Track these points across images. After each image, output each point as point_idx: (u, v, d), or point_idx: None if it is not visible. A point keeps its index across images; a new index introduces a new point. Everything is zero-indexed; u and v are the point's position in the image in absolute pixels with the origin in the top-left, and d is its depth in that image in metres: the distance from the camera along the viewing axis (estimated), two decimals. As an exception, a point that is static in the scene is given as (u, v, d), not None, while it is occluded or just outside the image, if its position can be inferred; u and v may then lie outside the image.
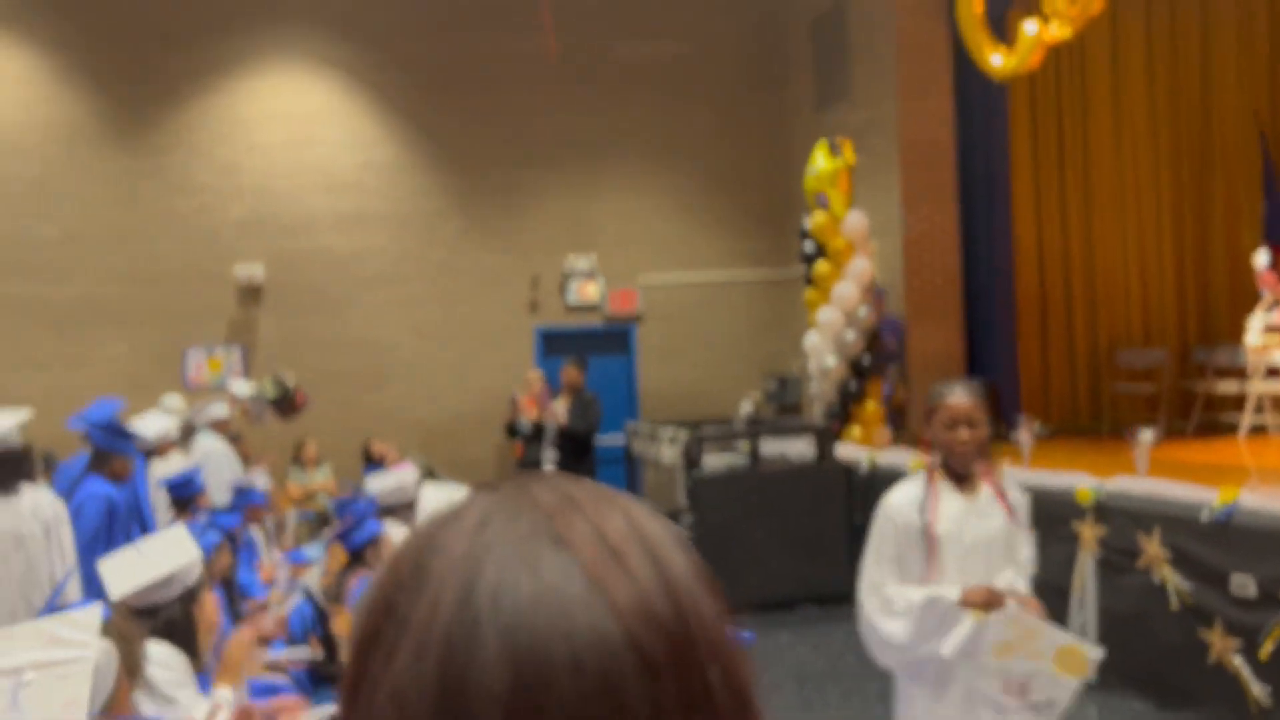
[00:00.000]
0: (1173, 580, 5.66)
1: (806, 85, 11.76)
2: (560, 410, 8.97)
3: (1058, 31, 7.73)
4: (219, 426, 8.19)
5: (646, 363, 12.07)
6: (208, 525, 4.95)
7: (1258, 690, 5.21)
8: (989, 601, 3.24)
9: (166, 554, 3.26)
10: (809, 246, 9.50)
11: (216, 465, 7.51)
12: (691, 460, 8.34)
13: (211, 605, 3.39)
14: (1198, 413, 10.02)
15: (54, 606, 2.56)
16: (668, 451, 9.47)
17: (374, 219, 11.48)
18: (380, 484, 5.80)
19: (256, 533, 6.75)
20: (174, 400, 9.13)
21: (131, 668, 2.63)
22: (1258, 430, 9.08)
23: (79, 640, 2.16)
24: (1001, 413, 9.19)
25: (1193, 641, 5.57)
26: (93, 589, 3.92)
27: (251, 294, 11.18)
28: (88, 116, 10.93)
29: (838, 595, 8.25)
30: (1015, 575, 3.39)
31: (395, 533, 5.11)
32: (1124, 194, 10.87)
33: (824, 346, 9.28)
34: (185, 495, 5.81)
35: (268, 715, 3.08)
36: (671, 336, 12.08)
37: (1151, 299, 10.93)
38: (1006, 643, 3.25)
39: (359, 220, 11.44)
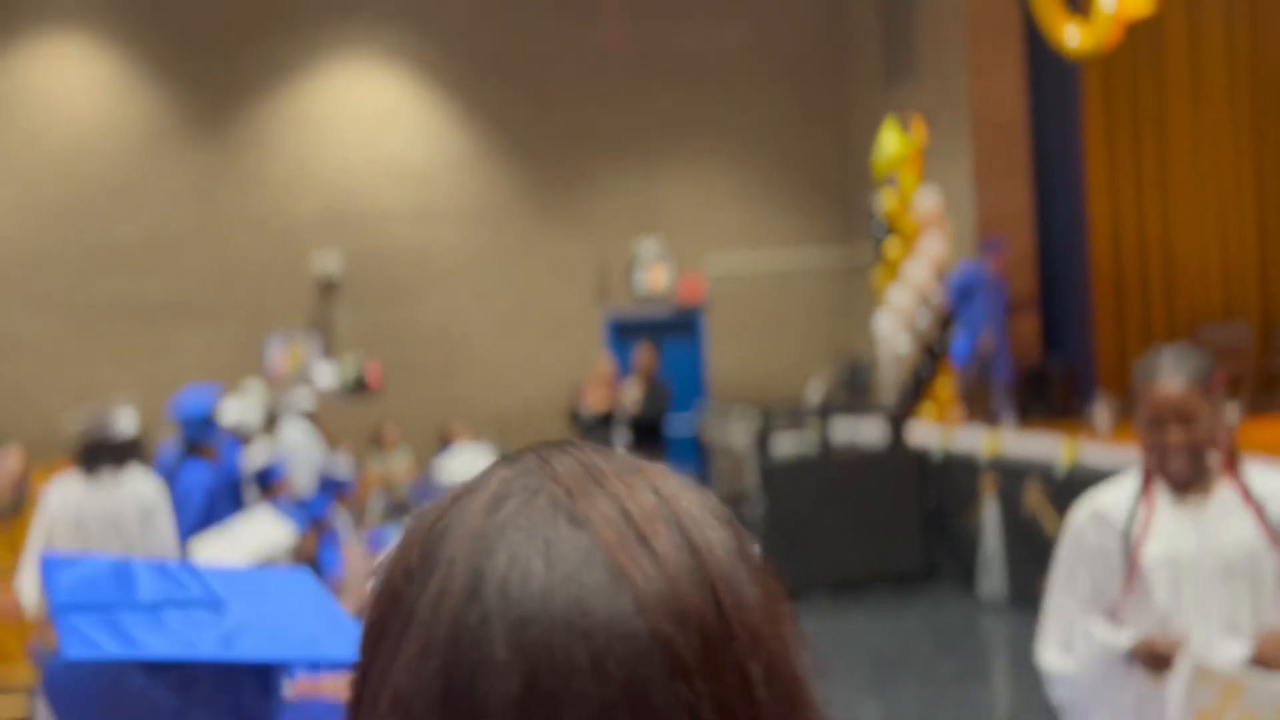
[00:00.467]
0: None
1: (873, 63, 11.65)
2: (633, 394, 9.03)
3: (1137, 7, 7.50)
4: (306, 414, 8.42)
5: (715, 349, 12.10)
6: (294, 511, 5.12)
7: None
8: (1162, 657, 2.38)
9: (256, 535, 3.39)
10: (878, 226, 9.44)
11: (304, 452, 7.72)
12: (763, 444, 8.36)
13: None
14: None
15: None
16: (738, 435, 9.48)
17: (445, 209, 11.66)
18: (452, 464, 5.89)
19: (341, 516, 6.94)
20: (257, 388, 9.40)
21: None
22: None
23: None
24: (1078, 391, 9.05)
25: None
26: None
27: (328, 286, 11.43)
28: (166, 117, 11.24)
29: (912, 576, 8.22)
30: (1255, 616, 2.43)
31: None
32: (1202, 168, 10.61)
33: (895, 329, 9.22)
34: (268, 482, 6.05)
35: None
36: (739, 323, 12.09)
37: (1233, 273, 10.68)
38: (1204, 712, 2.41)
39: (431, 211, 11.63)
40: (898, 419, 8.50)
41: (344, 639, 1.56)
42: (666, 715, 0.46)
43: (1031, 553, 7.17)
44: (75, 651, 1.87)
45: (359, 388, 9.85)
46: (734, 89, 12.00)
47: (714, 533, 0.51)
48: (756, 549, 0.54)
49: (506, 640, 0.46)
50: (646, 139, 11.89)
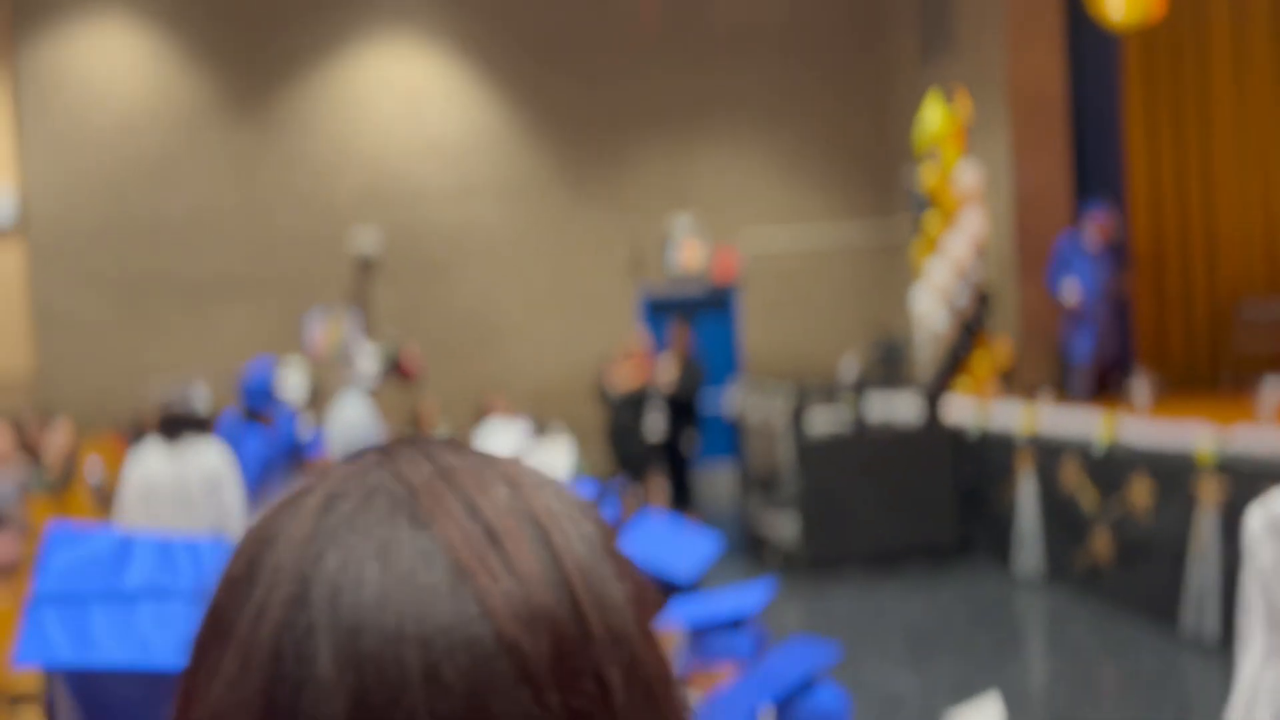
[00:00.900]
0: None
1: (909, 37, 11.56)
2: (668, 372, 9.06)
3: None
4: (367, 392, 8.48)
5: (749, 325, 12.10)
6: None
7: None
8: None
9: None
10: (917, 201, 9.40)
11: (360, 430, 7.78)
12: (798, 421, 8.38)
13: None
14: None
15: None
16: (773, 413, 9.51)
17: (482, 186, 11.73)
18: (488, 442, 5.98)
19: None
20: (299, 363, 9.51)
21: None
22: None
23: None
24: (1117, 366, 8.99)
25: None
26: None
27: (367, 264, 11.55)
28: (208, 95, 11.38)
29: (947, 551, 8.24)
30: None
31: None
32: (1244, 141, 10.45)
33: (933, 305, 9.19)
34: (308, 456, 6.24)
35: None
36: (774, 299, 12.08)
37: (1276, 248, 10.52)
38: None
39: (467, 188, 11.70)
40: (933, 395, 8.49)
41: None
42: None
43: (1068, 530, 7.17)
44: (29, 655, 1.92)
45: (394, 370, 9.95)
46: (769, 64, 11.96)
47: (575, 528, 0.47)
48: (628, 552, 0.50)
49: (335, 653, 0.42)
50: (682, 115, 11.88)
